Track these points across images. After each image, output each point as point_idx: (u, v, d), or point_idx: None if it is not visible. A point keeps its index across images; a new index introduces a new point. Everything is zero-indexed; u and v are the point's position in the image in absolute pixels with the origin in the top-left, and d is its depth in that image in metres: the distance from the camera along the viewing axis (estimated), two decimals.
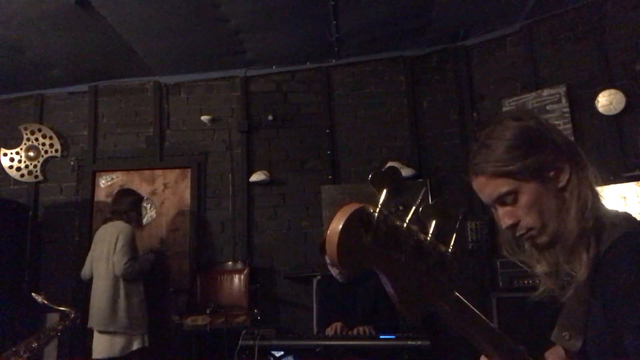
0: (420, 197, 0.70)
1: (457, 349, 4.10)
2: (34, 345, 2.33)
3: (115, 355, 3.60)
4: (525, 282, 3.48)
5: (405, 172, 4.50)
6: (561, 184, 1.01)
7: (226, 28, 4.20)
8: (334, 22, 4.18)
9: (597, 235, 0.93)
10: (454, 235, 0.78)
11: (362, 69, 4.93)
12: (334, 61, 4.91)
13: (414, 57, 4.84)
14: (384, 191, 0.65)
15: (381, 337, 2.78)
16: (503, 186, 1.03)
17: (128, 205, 3.91)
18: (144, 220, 4.57)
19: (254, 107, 4.96)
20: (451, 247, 0.76)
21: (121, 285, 3.70)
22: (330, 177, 4.73)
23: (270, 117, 4.86)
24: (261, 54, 4.73)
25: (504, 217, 1.05)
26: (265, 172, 4.72)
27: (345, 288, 3.26)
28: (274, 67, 4.96)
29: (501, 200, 1.05)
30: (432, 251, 0.72)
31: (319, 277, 3.90)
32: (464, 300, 0.83)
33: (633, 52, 3.79)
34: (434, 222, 0.73)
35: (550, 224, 1.00)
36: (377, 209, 0.63)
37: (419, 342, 2.64)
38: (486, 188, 1.06)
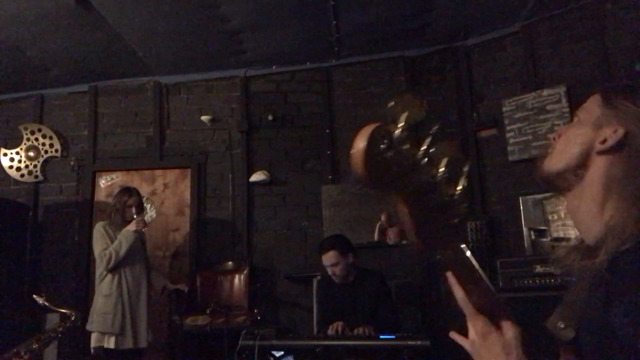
0: (433, 131, 0.70)
1: (457, 349, 4.10)
2: (34, 347, 2.32)
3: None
4: (525, 282, 3.48)
5: None
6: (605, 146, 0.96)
7: (226, 28, 4.20)
8: (334, 22, 4.18)
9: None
10: (463, 177, 0.77)
11: (362, 69, 4.93)
12: (334, 61, 4.91)
13: (414, 57, 4.84)
14: (404, 115, 0.67)
15: (381, 337, 2.78)
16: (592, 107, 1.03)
17: (113, 205, 3.82)
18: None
19: (254, 107, 4.96)
20: (459, 189, 0.75)
21: (96, 282, 3.65)
22: (330, 177, 4.73)
23: (270, 117, 4.86)
24: (261, 54, 4.73)
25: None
26: (265, 172, 4.72)
27: (346, 288, 3.26)
28: (274, 67, 4.95)
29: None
30: (443, 188, 0.72)
31: (319, 277, 3.90)
32: (466, 251, 0.82)
33: (633, 52, 3.79)
34: (444, 161, 0.72)
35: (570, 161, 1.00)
36: (397, 129, 0.65)
37: (419, 342, 2.64)
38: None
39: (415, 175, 0.67)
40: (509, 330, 0.85)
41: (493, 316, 0.88)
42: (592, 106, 1.03)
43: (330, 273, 3.24)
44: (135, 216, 3.66)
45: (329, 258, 3.19)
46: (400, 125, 0.66)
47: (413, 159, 0.67)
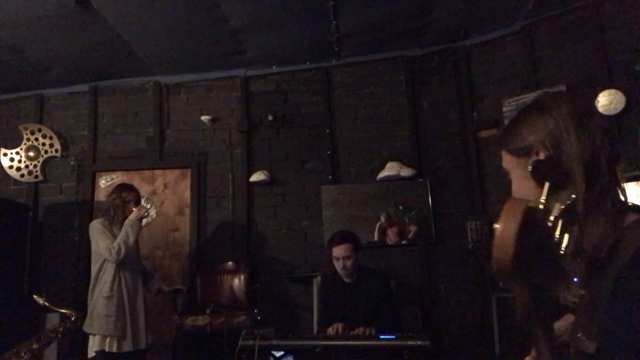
0: (568, 205, 0.56)
1: (457, 349, 4.10)
2: (34, 347, 2.32)
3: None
4: None
5: (405, 172, 4.50)
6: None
7: (226, 28, 4.20)
8: (334, 22, 4.18)
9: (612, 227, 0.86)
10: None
11: (362, 69, 4.93)
12: (334, 61, 4.91)
13: (414, 57, 4.84)
14: (547, 185, 0.56)
15: (381, 337, 2.78)
16: (504, 162, 0.99)
17: (111, 202, 3.65)
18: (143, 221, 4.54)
19: (254, 107, 4.96)
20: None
21: (91, 281, 3.53)
22: (330, 177, 4.73)
23: (270, 117, 4.86)
24: (261, 54, 4.73)
25: None
26: (265, 172, 4.72)
27: (348, 287, 3.26)
28: (274, 67, 4.96)
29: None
30: (565, 264, 0.61)
31: (319, 277, 3.90)
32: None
33: (633, 52, 3.79)
34: (567, 238, 0.58)
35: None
36: (543, 208, 0.55)
37: (419, 342, 2.64)
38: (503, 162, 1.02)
39: (545, 261, 0.56)
40: None
41: None
42: (513, 161, 0.96)
43: (340, 267, 3.21)
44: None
45: (343, 250, 3.17)
46: (544, 201, 0.54)
47: (548, 240, 0.55)
